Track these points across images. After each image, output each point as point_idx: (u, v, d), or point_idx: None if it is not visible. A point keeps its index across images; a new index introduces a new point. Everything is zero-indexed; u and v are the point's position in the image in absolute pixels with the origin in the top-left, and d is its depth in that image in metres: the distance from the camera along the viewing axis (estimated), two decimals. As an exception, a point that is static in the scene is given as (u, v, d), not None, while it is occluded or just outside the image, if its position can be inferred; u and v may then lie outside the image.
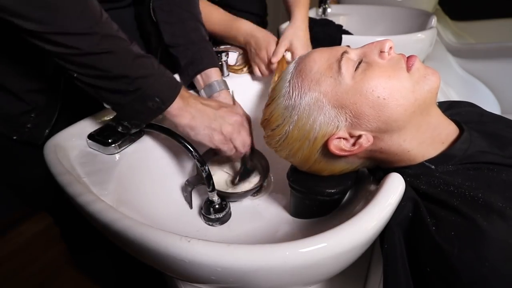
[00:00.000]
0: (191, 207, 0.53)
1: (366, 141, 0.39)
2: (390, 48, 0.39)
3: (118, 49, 0.38)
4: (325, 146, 0.41)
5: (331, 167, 0.44)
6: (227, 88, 0.60)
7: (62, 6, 0.34)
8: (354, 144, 0.40)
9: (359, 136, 0.39)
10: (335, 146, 0.40)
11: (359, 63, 0.39)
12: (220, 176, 0.60)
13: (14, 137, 0.50)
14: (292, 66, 0.44)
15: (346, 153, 0.40)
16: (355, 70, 0.39)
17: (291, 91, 0.42)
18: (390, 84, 0.37)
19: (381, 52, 0.39)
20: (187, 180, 0.54)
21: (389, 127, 0.38)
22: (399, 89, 0.37)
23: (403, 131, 0.38)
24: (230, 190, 0.56)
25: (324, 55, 0.41)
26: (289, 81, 0.43)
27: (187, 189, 0.53)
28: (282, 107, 0.43)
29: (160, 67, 0.44)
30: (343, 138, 0.40)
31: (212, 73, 0.59)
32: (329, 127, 0.40)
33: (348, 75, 0.38)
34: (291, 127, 0.42)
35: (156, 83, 0.42)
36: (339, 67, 0.39)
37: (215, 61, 0.61)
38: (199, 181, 0.52)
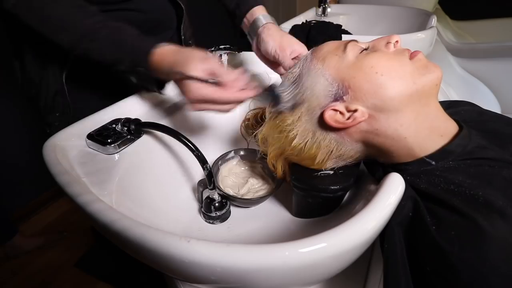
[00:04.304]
0: (201, 206, 0.53)
1: (361, 115, 0.39)
2: (397, 41, 0.42)
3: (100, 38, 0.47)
4: (321, 119, 0.42)
5: (325, 152, 0.44)
6: (274, 22, 0.58)
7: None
8: (349, 118, 0.40)
9: (355, 110, 0.40)
10: (330, 116, 0.41)
11: (365, 50, 0.42)
12: (234, 180, 0.60)
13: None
14: (308, 54, 0.47)
15: (340, 125, 0.41)
16: (360, 53, 0.41)
17: (301, 69, 0.45)
18: (389, 63, 0.39)
19: (388, 43, 0.42)
20: (200, 181, 0.54)
21: (385, 105, 0.38)
22: (398, 69, 0.39)
23: (400, 114, 0.39)
24: (239, 196, 0.56)
25: (335, 42, 0.45)
26: (302, 63, 0.46)
27: (199, 189, 0.53)
28: (290, 82, 0.45)
29: (136, 39, 0.47)
30: (339, 112, 0.40)
31: (255, 11, 0.58)
32: (326, 98, 0.41)
33: (352, 55, 0.41)
34: (293, 100, 0.44)
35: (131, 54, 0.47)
36: (345, 48, 0.42)
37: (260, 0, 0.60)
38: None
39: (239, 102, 0.45)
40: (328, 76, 0.41)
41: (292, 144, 0.45)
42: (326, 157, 0.44)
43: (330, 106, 0.41)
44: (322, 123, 0.42)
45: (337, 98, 0.41)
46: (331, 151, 0.44)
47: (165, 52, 0.45)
